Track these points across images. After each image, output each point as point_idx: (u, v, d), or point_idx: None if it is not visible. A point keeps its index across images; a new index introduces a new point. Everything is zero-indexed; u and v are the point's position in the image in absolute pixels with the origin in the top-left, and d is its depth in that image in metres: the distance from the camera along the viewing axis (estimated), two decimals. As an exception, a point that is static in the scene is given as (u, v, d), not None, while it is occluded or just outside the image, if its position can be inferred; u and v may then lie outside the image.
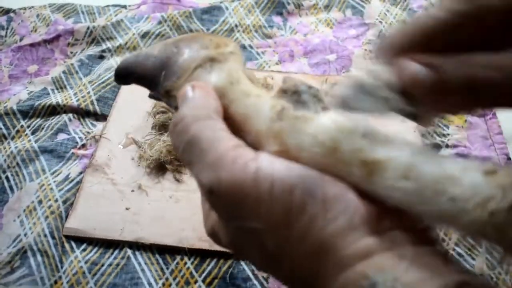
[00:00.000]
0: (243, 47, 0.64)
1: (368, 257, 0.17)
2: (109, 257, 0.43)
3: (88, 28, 0.66)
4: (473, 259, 0.42)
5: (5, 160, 0.51)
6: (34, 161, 0.51)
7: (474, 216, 0.15)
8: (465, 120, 0.54)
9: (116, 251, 0.44)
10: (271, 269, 0.22)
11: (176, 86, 0.25)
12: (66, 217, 0.46)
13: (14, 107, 0.56)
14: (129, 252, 0.44)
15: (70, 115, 0.55)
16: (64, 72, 0.61)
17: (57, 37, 0.65)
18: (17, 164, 0.50)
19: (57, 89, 0.60)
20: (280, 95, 0.22)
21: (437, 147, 0.52)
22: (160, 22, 0.66)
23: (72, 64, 0.62)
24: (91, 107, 0.56)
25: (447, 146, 0.52)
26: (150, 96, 0.29)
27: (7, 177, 0.50)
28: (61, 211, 0.46)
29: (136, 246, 0.44)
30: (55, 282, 0.42)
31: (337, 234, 0.18)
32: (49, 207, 0.46)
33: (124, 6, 0.71)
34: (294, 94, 0.22)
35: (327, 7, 0.69)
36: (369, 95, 0.19)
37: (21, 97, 0.59)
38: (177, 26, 0.66)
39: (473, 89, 0.17)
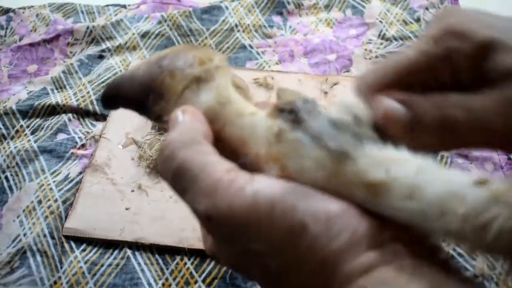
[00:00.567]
0: (243, 46, 0.64)
1: (369, 271, 0.17)
2: (108, 257, 0.43)
3: (87, 27, 0.65)
4: (474, 259, 0.42)
5: (4, 160, 0.51)
6: (33, 161, 0.50)
7: (481, 234, 0.15)
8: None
9: (116, 251, 0.44)
10: None
11: (166, 111, 0.24)
12: (66, 217, 0.46)
13: (14, 107, 0.56)
14: (129, 252, 0.44)
15: (70, 115, 0.55)
16: (63, 72, 0.61)
17: (57, 37, 0.65)
18: (17, 164, 0.50)
19: (56, 89, 0.59)
20: (276, 114, 0.22)
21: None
22: (160, 22, 0.66)
23: (71, 64, 0.62)
24: (90, 107, 0.56)
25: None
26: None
27: (6, 177, 0.50)
28: (60, 211, 0.46)
29: (136, 246, 0.44)
30: (55, 282, 0.41)
31: (340, 251, 0.18)
32: (49, 207, 0.46)
33: (124, 6, 0.71)
34: (290, 114, 0.21)
35: (327, 7, 0.69)
36: (342, 130, 0.19)
37: (21, 97, 0.58)
38: (177, 26, 0.66)
39: (449, 128, 0.18)
